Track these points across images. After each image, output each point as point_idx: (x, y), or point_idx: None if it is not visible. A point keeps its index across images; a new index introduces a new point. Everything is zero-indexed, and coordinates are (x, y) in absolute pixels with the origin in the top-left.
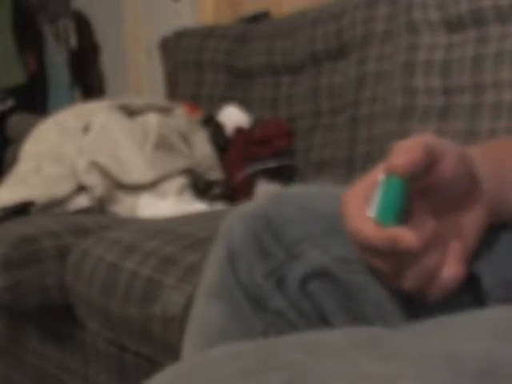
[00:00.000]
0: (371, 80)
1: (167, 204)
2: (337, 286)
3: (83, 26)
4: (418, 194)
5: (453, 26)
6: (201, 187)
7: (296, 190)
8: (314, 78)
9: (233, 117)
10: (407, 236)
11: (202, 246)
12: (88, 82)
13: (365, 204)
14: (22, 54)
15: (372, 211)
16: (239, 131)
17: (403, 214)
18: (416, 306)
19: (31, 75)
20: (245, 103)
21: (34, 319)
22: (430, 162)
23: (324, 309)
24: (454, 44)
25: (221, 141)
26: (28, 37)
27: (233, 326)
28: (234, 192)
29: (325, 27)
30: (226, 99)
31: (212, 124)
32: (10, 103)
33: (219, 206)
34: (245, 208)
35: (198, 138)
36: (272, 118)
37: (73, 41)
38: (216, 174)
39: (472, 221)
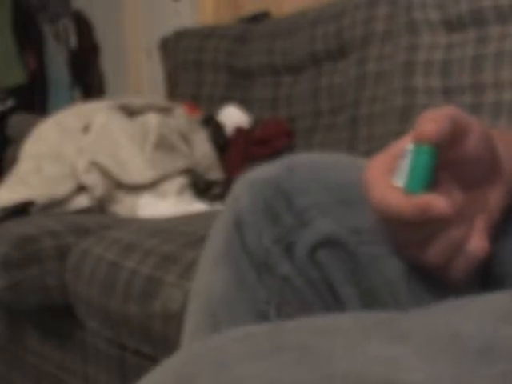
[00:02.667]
0: (371, 80)
1: (167, 204)
2: (346, 257)
3: (83, 26)
4: (445, 167)
5: (453, 25)
6: (201, 187)
7: (308, 157)
8: (313, 78)
9: (233, 117)
10: (438, 202)
11: (202, 244)
12: (88, 81)
13: (390, 173)
14: (22, 53)
15: (400, 180)
16: (239, 131)
17: (431, 183)
18: (427, 285)
19: (31, 75)
20: (245, 103)
21: (34, 319)
22: (456, 133)
23: (332, 279)
24: (453, 44)
25: (221, 141)
26: (28, 37)
27: (236, 295)
28: None
29: (325, 27)
30: (225, 99)
31: (212, 124)
32: (9, 103)
33: (219, 206)
34: (254, 174)
35: (198, 138)
36: (272, 118)
37: (73, 41)
38: (216, 173)
39: (495, 196)
